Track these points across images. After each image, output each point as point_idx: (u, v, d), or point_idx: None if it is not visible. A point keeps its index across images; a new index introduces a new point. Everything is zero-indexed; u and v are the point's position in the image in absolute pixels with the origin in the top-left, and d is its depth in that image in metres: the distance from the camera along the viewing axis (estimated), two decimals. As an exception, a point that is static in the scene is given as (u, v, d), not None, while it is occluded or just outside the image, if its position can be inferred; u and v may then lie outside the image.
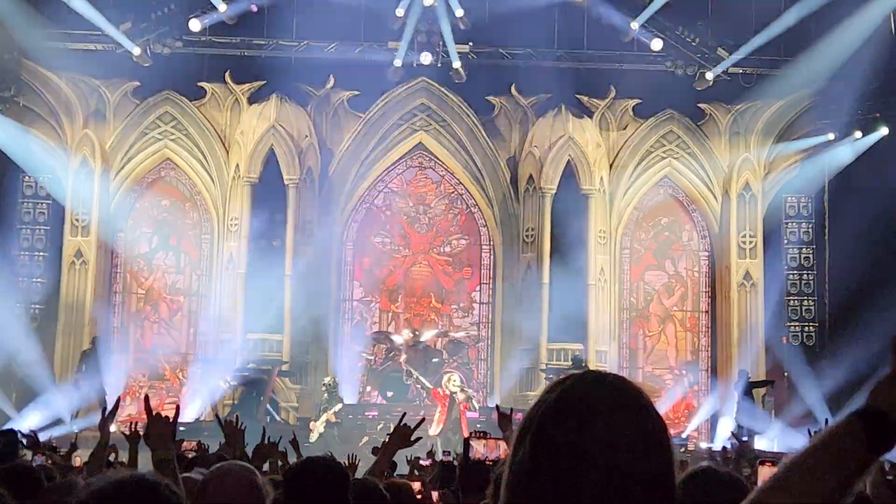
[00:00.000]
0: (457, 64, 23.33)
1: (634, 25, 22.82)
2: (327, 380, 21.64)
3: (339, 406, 21.27)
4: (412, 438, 5.95)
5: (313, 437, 20.18)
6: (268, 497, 3.93)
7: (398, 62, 23.32)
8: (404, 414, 5.96)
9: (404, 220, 25.25)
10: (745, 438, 21.24)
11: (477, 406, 21.64)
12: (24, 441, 9.18)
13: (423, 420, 6.01)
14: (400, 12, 22.64)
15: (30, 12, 21.51)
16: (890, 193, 21.39)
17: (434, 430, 19.89)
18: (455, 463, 9.57)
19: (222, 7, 22.51)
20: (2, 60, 22.36)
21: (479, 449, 7.00)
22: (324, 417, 20.68)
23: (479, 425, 19.86)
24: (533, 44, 23.69)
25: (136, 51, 22.68)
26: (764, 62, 23.40)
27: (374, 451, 8.87)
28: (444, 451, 13.94)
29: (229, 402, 22.23)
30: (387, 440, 5.94)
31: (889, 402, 1.90)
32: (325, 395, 21.33)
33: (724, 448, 11.67)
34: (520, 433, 1.93)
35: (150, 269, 24.66)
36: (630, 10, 22.87)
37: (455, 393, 20.66)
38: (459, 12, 22.59)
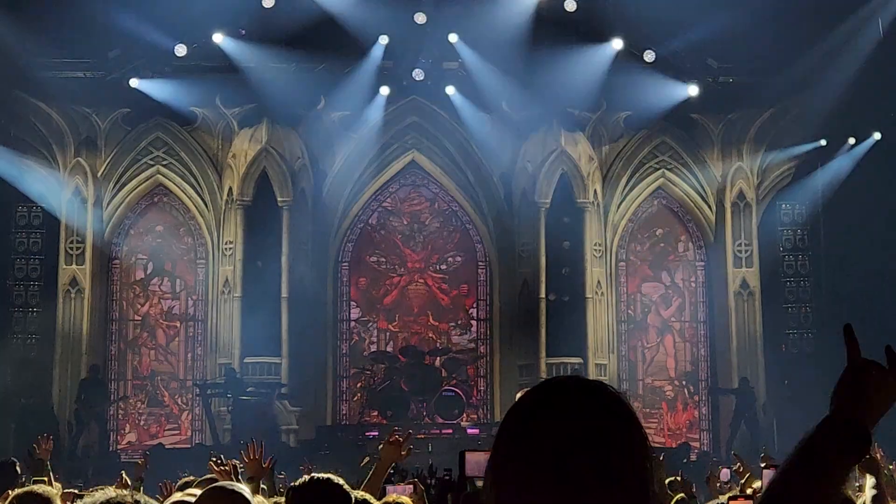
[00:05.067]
0: (450, 90, 23.55)
1: (618, 44, 22.96)
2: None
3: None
4: (403, 452, 5.96)
5: None
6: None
7: (385, 90, 23.53)
8: (395, 428, 5.96)
9: (399, 238, 25.24)
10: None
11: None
12: (29, 462, 9.14)
13: (410, 433, 5.99)
14: (384, 39, 22.79)
15: (18, 42, 21.48)
16: (883, 197, 21.43)
17: None
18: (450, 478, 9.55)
19: (218, 37, 22.61)
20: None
21: (472, 461, 6.96)
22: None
23: (479, 442, 19.82)
24: (522, 59, 23.65)
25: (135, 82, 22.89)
26: (754, 70, 23.41)
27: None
28: (445, 470, 13.87)
29: (228, 426, 22.16)
30: (379, 456, 5.94)
31: (853, 404, 1.90)
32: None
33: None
34: (494, 440, 1.96)
35: (145, 296, 24.62)
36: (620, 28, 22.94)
37: None
38: (453, 37, 22.77)
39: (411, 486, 8.02)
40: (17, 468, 9.21)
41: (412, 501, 6.75)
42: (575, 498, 1.81)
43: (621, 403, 1.91)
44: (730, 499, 6.40)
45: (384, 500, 5.93)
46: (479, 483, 7.17)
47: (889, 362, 2.00)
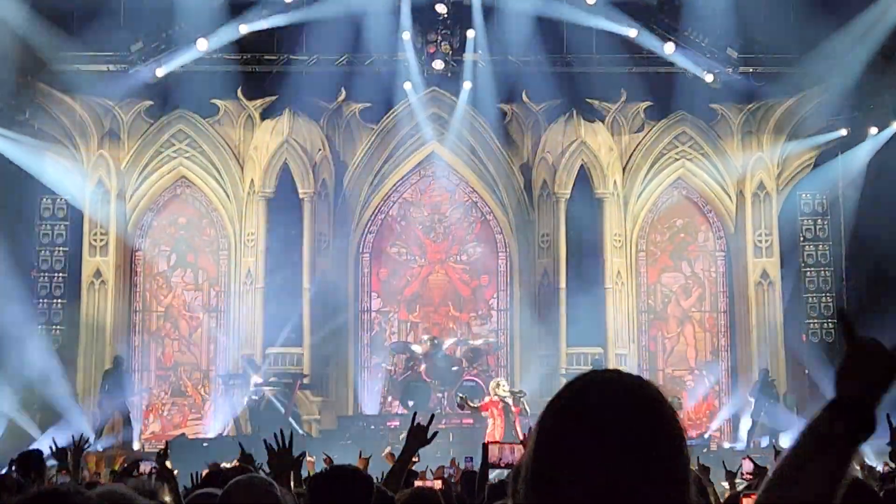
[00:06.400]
0: (467, 85, 23.62)
1: (633, 32, 22.92)
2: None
3: None
4: (428, 436, 5.99)
5: None
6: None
7: (408, 86, 23.59)
8: (415, 414, 5.99)
9: (420, 229, 25.31)
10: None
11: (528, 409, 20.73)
12: (52, 450, 9.22)
13: (433, 417, 6.03)
14: (406, 35, 22.84)
15: (42, 36, 21.62)
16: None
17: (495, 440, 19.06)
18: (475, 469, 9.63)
19: (243, 28, 22.67)
20: (16, 84, 22.50)
21: (494, 452, 7.03)
22: None
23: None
24: (542, 49, 23.67)
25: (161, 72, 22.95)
26: (774, 60, 23.36)
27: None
28: (466, 458, 13.94)
29: (248, 417, 22.30)
30: (404, 443, 5.98)
31: (857, 384, 1.94)
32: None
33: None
34: (532, 433, 1.97)
35: (168, 287, 24.77)
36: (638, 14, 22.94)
37: (505, 397, 20.31)
38: (471, 33, 22.83)
39: (440, 480, 8.12)
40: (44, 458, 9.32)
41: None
42: (615, 497, 1.84)
43: (662, 403, 1.93)
44: (744, 493, 6.45)
45: (415, 486, 5.98)
46: (494, 472, 7.24)
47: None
